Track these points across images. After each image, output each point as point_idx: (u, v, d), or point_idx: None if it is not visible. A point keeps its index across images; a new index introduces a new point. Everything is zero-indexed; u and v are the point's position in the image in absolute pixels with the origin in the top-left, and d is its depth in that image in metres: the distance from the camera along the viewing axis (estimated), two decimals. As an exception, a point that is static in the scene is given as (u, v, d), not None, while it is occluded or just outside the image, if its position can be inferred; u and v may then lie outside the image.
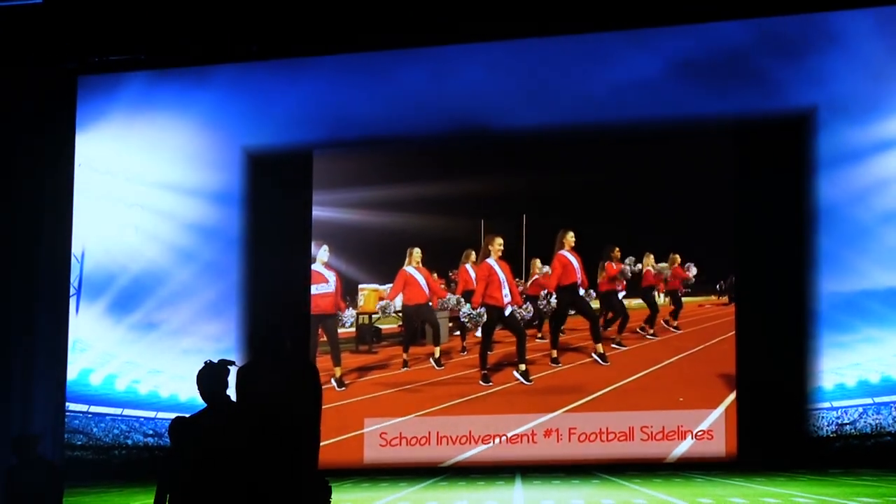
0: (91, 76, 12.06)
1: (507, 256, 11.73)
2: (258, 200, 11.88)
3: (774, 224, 10.79)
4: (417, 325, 12.13)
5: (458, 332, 12.04)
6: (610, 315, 11.86)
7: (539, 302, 11.83)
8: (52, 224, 11.88)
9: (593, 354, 11.55)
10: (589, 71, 11.21)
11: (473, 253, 11.89)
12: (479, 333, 11.84)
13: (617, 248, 11.74)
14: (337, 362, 11.84)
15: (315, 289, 11.82)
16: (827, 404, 10.62)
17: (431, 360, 11.91)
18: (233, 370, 6.56)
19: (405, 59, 11.59)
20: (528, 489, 10.70)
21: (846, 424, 10.57)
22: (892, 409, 10.45)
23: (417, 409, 11.42)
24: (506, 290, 11.66)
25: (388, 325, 12.34)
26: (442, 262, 12.04)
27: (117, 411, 11.93)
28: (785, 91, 10.84)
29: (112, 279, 12.04)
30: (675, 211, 11.21)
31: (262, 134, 11.88)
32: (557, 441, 11.08)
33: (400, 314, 12.10)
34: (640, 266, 11.73)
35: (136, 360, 11.94)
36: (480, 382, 11.52)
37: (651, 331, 11.77)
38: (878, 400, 10.49)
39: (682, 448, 10.87)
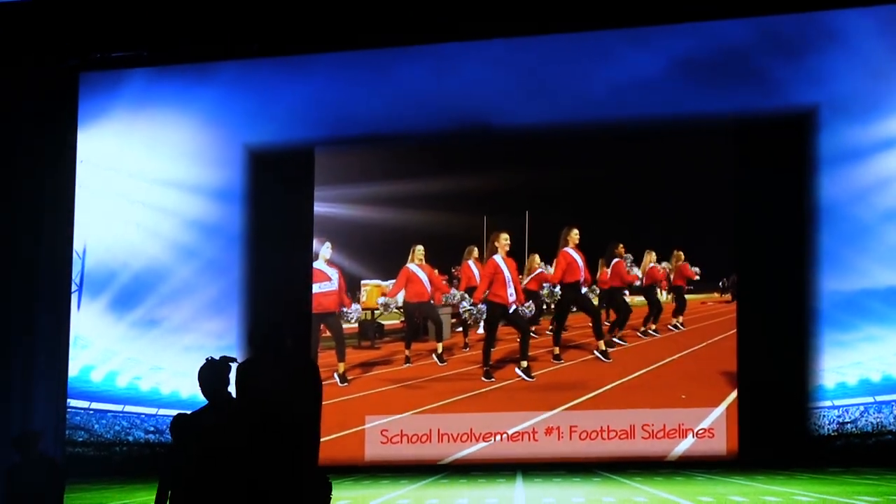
0: (93, 73, 12.05)
1: (511, 253, 11.73)
2: (260, 197, 11.88)
3: (775, 223, 10.78)
4: (419, 321, 12.14)
5: (460, 329, 12.05)
6: (613, 317, 11.86)
7: (541, 295, 11.82)
8: (54, 221, 11.88)
9: (595, 352, 11.55)
10: (590, 69, 11.20)
11: (476, 249, 11.90)
12: (480, 330, 11.85)
13: (621, 245, 11.73)
14: (341, 358, 11.84)
15: (318, 287, 11.81)
16: (828, 403, 10.62)
17: (434, 356, 11.92)
18: (234, 367, 6.57)
19: (406, 56, 11.58)
20: (529, 487, 10.71)
21: (847, 423, 10.57)
22: (894, 407, 10.44)
23: (419, 405, 11.43)
24: (511, 289, 11.67)
25: (391, 321, 12.36)
26: (444, 258, 12.05)
27: (118, 408, 11.94)
28: (786, 90, 10.83)
29: (114, 276, 12.05)
30: (676, 209, 11.21)
31: (263, 131, 11.89)
32: (559, 439, 11.08)
33: (401, 310, 12.12)
34: (636, 270, 11.73)
35: (138, 357, 11.95)
36: (483, 379, 11.53)
37: (654, 327, 11.78)
38: (879, 398, 10.49)
39: (684, 446, 10.87)
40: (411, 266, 11.94)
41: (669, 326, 11.82)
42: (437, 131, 11.57)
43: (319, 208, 11.89)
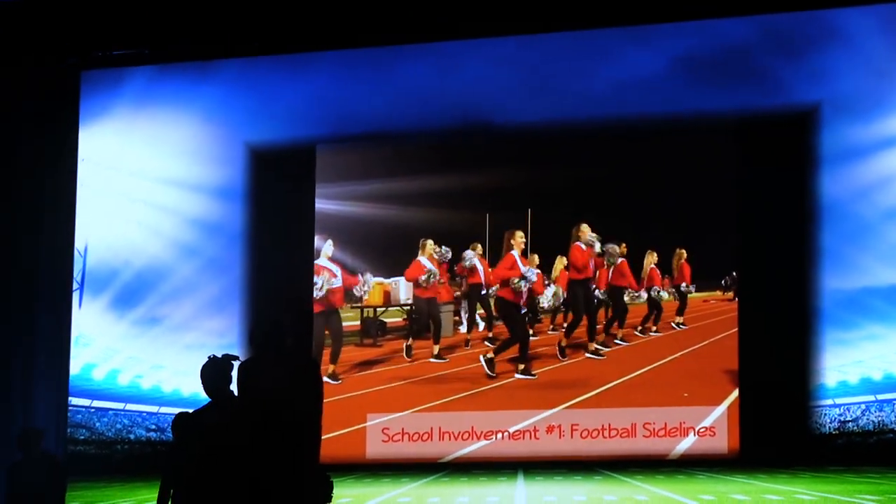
0: (94, 71, 12.06)
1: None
2: (261, 195, 11.88)
3: (777, 221, 10.78)
4: (426, 316, 12.10)
5: (462, 328, 12.06)
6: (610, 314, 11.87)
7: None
8: (55, 220, 11.87)
9: (587, 354, 11.57)
10: (591, 67, 11.20)
11: (479, 246, 11.90)
12: (482, 327, 11.88)
13: (624, 245, 11.73)
14: (334, 360, 11.81)
15: (327, 283, 11.80)
16: (829, 401, 10.61)
17: (432, 358, 11.90)
18: (236, 365, 6.57)
19: (408, 54, 11.58)
20: (531, 485, 10.71)
21: (849, 421, 10.57)
22: (895, 406, 10.44)
23: (420, 403, 11.43)
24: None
25: (394, 319, 12.35)
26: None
27: (120, 406, 11.95)
28: (787, 88, 10.82)
29: (115, 274, 12.05)
30: (677, 207, 11.21)
31: (265, 129, 11.89)
32: (560, 437, 11.08)
33: (405, 307, 12.12)
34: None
35: (139, 356, 11.95)
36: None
37: (654, 328, 11.78)
38: (880, 397, 10.49)
39: (685, 445, 10.87)
40: (422, 259, 11.91)
41: (672, 325, 11.82)
42: (439, 129, 11.57)
43: (321, 205, 11.89)
